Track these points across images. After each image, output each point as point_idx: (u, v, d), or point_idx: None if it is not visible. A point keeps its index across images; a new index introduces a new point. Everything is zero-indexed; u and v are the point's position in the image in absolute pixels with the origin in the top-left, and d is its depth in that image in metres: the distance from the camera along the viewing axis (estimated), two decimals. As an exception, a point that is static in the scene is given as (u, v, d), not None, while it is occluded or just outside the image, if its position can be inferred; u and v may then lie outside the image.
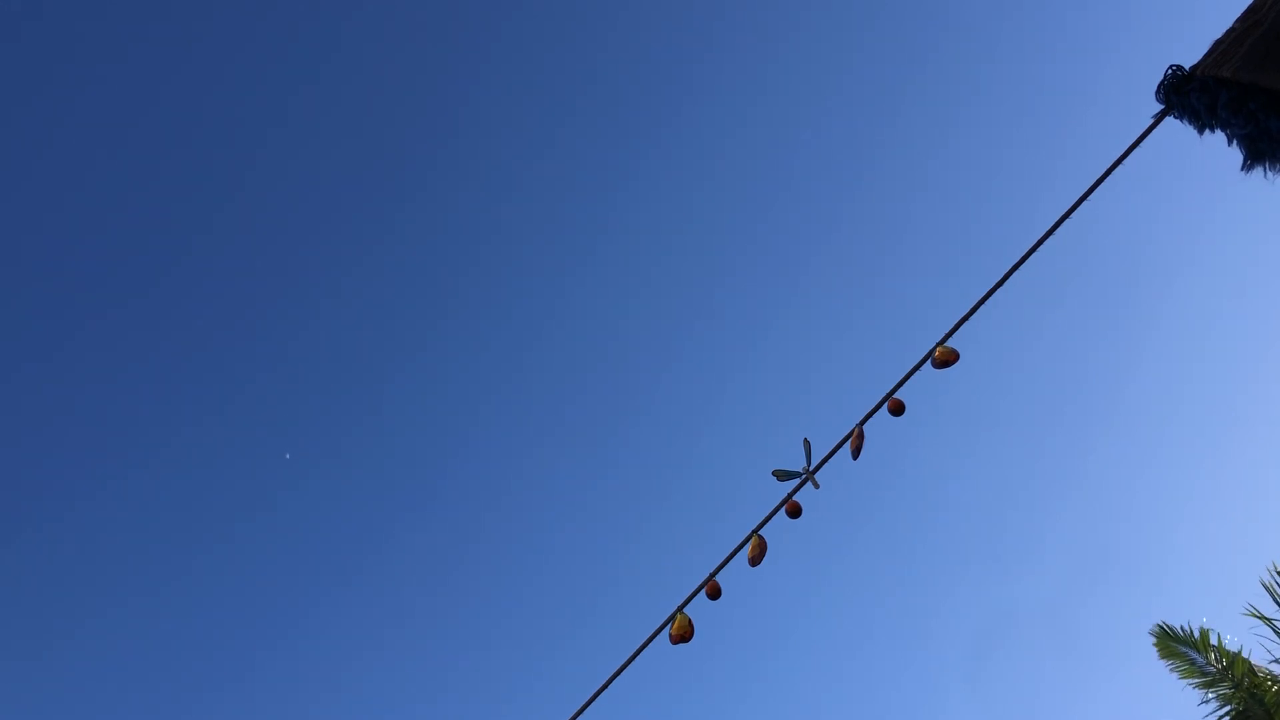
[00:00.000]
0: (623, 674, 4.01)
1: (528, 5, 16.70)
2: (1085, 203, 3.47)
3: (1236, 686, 9.50)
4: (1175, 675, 9.97)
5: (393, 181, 17.40)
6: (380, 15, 16.20)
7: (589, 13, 17.08)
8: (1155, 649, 10.17)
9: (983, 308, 3.69)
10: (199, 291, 16.80)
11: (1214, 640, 9.76)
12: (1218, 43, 3.18)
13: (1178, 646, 9.95)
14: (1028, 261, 3.58)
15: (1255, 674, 9.54)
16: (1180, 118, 3.28)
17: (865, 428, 3.90)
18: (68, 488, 16.82)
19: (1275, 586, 9.59)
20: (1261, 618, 9.53)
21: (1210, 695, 9.72)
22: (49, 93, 14.87)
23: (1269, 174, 3.10)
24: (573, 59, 17.35)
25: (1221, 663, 9.68)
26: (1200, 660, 9.78)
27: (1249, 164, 3.13)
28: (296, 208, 17.11)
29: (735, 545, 3.99)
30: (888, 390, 3.85)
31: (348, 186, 17.23)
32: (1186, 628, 9.97)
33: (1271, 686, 9.37)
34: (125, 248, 16.24)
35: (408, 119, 17.11)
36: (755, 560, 3.96)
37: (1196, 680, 9.82)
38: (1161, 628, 10.10)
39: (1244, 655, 9.64)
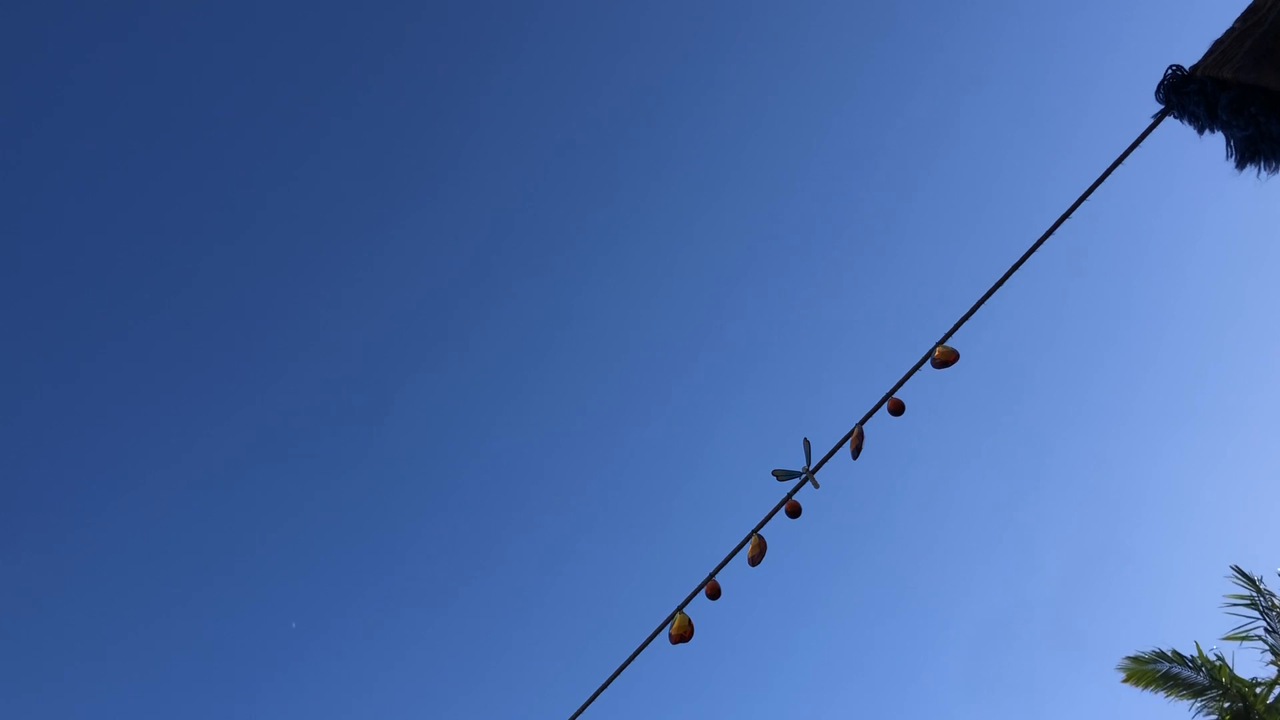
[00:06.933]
0: (622, 674, 4.00)
1: (536, 16, 16.71)
2: (1085, 203, 3.46)
3: (1225, 692, 9.49)
4: (1163, 694, 9.92)
5: (402, 186, 17.40)
6: (393, 20, 16.20)
7: (594, 27, 17.09)
8: (1134, 685, 10.09)
9: (983, 308, 3.68)
10: (202, 289, 16.80)
11: (1190, 653, 9.76)
12: (1218, 43, 3.18)
13: (1158, 667, 9.91)
14: (1028, 261, 3.58)
15: (1240, 680, 9.55)
16: (1180, 118, 3.27)
17: (865, 427, 3.89)
18: (74, 498, 16.82)
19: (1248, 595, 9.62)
20: (1240, 637, 9.52)
21: (1199, 703, 9.71)
22: (65, 103, 14.86)
23: (1262, 174, 3.10)
24: (582, 72, 17.34)
25: (1206, 673, 9.67)
26: (1188, 673, 9.76)
27: (1243, 164, 3.13)
28: (303, 211, 17.10)
29: (735, 545, 3.99)
30: (888, 390, 3.84)
31: (354, 190, 17.23)
32: (1159, 650, 9.94)
33: (1259, 692, 9.37)
34: (126, 256, 16.24)
35: (414, 124, 17.11)
36: (755, 560, 3.96)
37: (1186, 691, 9.80)
38: (1134, 660, 10.06)
39: (1229, 665, 9.65)
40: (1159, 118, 3.31)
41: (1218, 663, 9.63)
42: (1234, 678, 9.55)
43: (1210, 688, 9.60)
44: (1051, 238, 3.53)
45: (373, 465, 18.73)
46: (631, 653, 3.97)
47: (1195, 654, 9.70)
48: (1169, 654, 9.84)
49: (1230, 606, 9.70)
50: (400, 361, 18.18)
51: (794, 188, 18.16)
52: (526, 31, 16.83)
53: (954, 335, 3.76)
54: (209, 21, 15.33)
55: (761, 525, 3.98)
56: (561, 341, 18.84)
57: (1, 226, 15.07)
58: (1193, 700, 9.74)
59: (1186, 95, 3.21)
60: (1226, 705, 9.43)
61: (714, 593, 4.00)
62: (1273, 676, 9.39)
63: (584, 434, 19.35)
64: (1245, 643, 9.62)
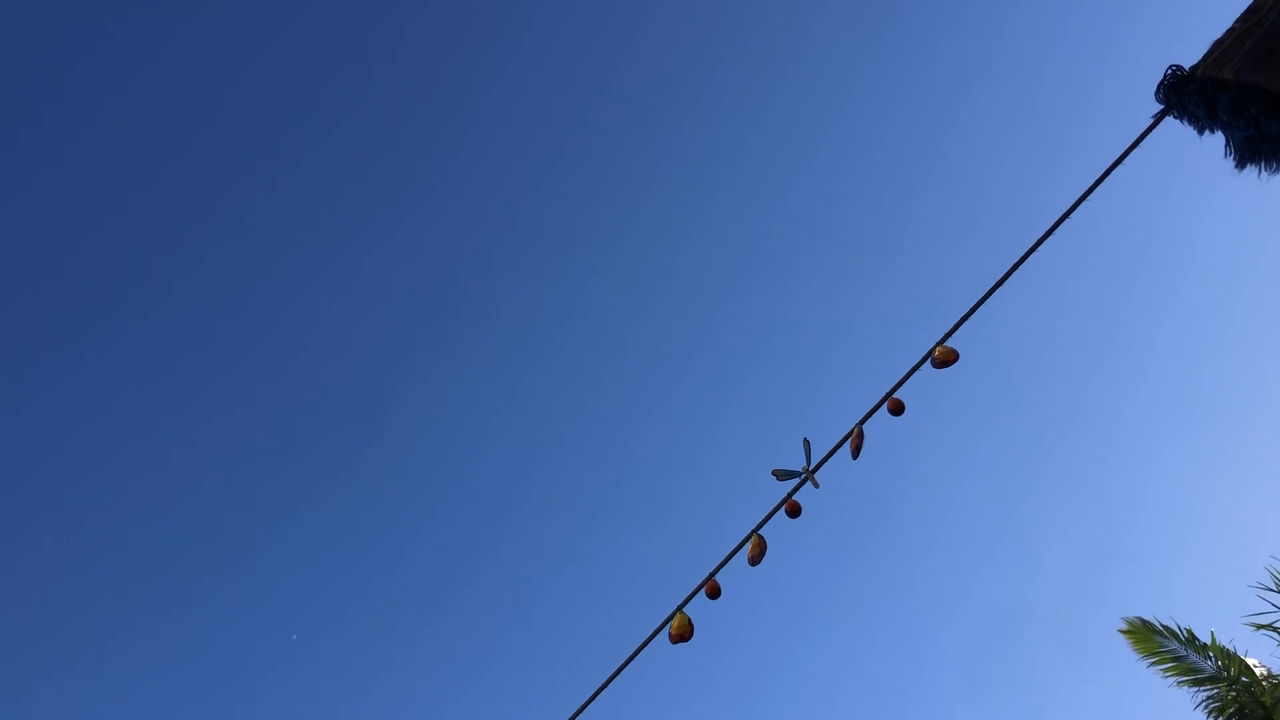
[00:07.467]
0: (622, 673, 4.01)
1: (536, 15, 16.72)
2: (1085, 203, 3.47)
3: (1233, 684, 9.37)
4: (1161, 673, 9.78)
5: (401, 186, 17.42)
6: (392, 18, 16.21)
7: (593, 23, 17.10)
8: (1131, 644, 9.91)
9: (983, 308, 3.69)
10: (200, 289, 16.81)
11: (1205, 639, 9.63)
12: (1218, 43, 3.18)
13: (1162, 642, 9.78)
14: (1028, 261, 3.58)
15: (1253, 673, 9.42)
16: (1180, 118, 3.28)
17: (865, 427, 3.89)
18: (69, 500, 16.83)
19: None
20: (1261, 626, 9.38)
21: (1202, 693, 9.58)
22: (64, 100, 14.87)
23: (1263, 174, 3.11)
24: (577, 69, 17.36)
25: (1218, 662, 9.55)
26: (1195, 658, 9.66)
27: (1242, 164, 3.14)
28: (300, 210, 17.12)
29: (735, 545, 3.99)
30: (888, 390, 3.85)
31: (352, 189, 17.25)
32: (1172, 624, 9.80)
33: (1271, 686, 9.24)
34: (125, 255, 16.26)
35: (414, 124, 17.12)
36: (755, 560, 3.96)
37: (1188, 678, 9.68)
38: (1143, 621, 9.90)
39: (1241, 655, 9.52)
40: (1159, 118, 3.32)
41: (1231, 651, 9.43)
42: (1244, 667, 9.41)
43: (1216, 678, 9.48)
44: (1051, 238, 3.54)
45: (371, 466, 18.73)
46: (631, 653, 3.98)
47: (1209, 642, 9.54)
48: (1183, 634, 9.64)
49: (1263, 590, 9.43)
50: (398, 363, 18.19)
51: (794, 187, 18.16)
52: (526, 30, 16.84)
53: (954, 335, 3.76)
54: (208, 17, 15.34)
55: (761, 525, 3.99)
56: (561, 341, 18.85)
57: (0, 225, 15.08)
58: (1194, 689, 9.61)
59: (1186, 95, 3.21)
60: (1233, 694, 9.29)
61: (714, 592, 4.00)
62: None
63: (584, 434, 19.36)
64: (1259, 635, 9.44)
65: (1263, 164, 3.11)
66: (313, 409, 17.84)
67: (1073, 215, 3.49)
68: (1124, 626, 9.99)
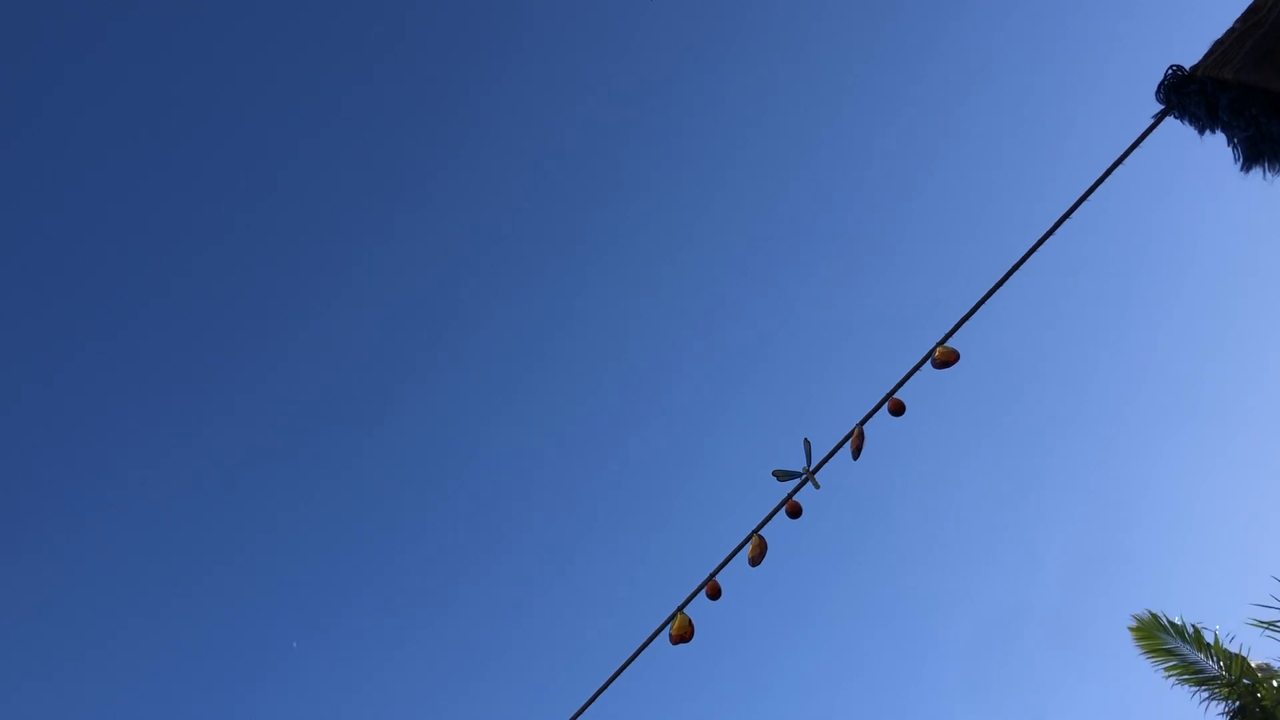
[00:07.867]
0: (623, 674, 4.01)
1: (535, 14, 16.72)
2: (1085, 203, 3.47)
3: (1232, 685, 9.37)
4: (1163, 671, 9.79)
5: (400, 185, 17.43)
6: (391, 16, 16.21)
7: (592, 22, 17.10)
8: (1137, 642, 9.93)
9: (983, 308, 3.69)
10: (200, 286, 16.81)
11: (1210, 639, 9.62)
12: (1218, 43, 3.18)
13: (1166, 640, 9.77)
14: (1028, 261, 3.58)
15: (1255, 673, 9.41)
16: (1180, 118, 3.28)
17: (865, 428, 3.89)
18: (72, 493, 16.82)
19: None
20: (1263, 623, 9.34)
21: (1205, 692, 9.58)
22: (62, 98, 14.88)
23: (1268, 175, 3.11)
24: (580, 70, 17.36)
25: (1220, 662, 9.55)
26: (1197, 657, 9.65)
27: (1248, 165, 3.14)
28: (298, 209, 17.13)
29: (735, 545, 3.99)
30: (888, 390, 3.85)
31: (354, 189, 17.25)
32: (1180, 621, 9.79)
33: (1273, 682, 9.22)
34: (123, 253, 16.25)
35: (413, 124, 17.12)
36: (755, 560, 3.96)
37: (1190, 677, 9.68)
38: (1152, 615, 9.89)
39: (1244, 655, 9.51)
40: (1159, 118, 3.32)
41: (1233, 652, 9.41)
42: (1246, 668, 9.39)
43: (1219, 678, 9.46)
44: (1051, 238, 3.54)
45: (370, 468, 18.74)
46: (632, 653, 3.98)
47: (1213, 642, 9.54)
48: (1190, 634, 9.62)
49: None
50: (397, 363, 18.20)
51: (794, 187, 18.17)
52: (525, 30, 16.85)
53: (954, 335, 3.76)
54: (207, 16, 15.34)
55: (762, 525, 3.99)
56: (561, 341, 18.85)
57: None
58: (1196, 688, 9.60)
59: (1187, 95, 3.21)
60: (1234, 693, 9.27)
61: (714, 593, 4.00)
62: None
63: (584, 434, 19.36)
64: (1261, 636, 9.40)
65: (1266, 165, 3.10)
66: (312, 409, 17.84)
67: (1073, 215, 3.49)
68: (1134, 624, 9.99)
